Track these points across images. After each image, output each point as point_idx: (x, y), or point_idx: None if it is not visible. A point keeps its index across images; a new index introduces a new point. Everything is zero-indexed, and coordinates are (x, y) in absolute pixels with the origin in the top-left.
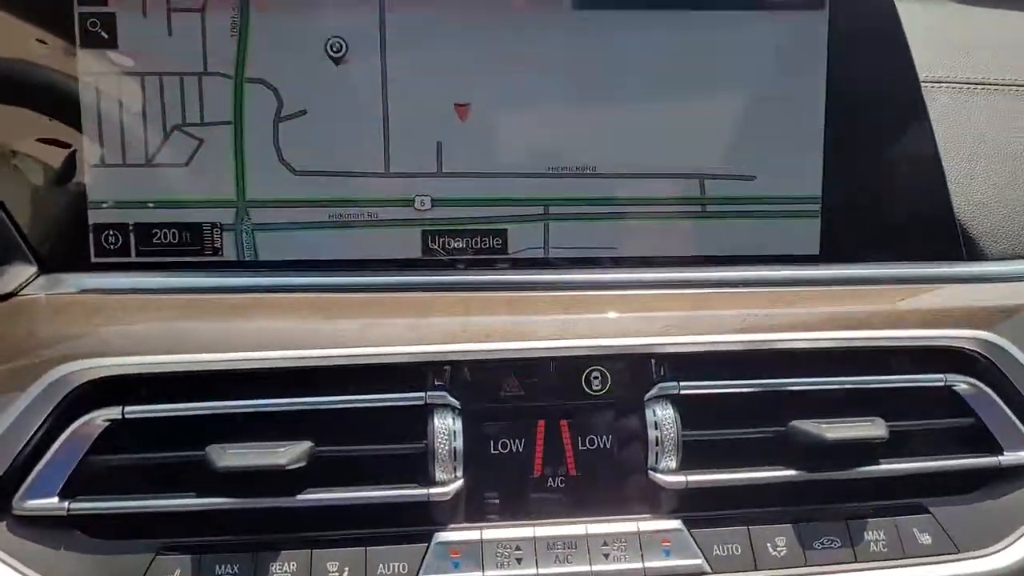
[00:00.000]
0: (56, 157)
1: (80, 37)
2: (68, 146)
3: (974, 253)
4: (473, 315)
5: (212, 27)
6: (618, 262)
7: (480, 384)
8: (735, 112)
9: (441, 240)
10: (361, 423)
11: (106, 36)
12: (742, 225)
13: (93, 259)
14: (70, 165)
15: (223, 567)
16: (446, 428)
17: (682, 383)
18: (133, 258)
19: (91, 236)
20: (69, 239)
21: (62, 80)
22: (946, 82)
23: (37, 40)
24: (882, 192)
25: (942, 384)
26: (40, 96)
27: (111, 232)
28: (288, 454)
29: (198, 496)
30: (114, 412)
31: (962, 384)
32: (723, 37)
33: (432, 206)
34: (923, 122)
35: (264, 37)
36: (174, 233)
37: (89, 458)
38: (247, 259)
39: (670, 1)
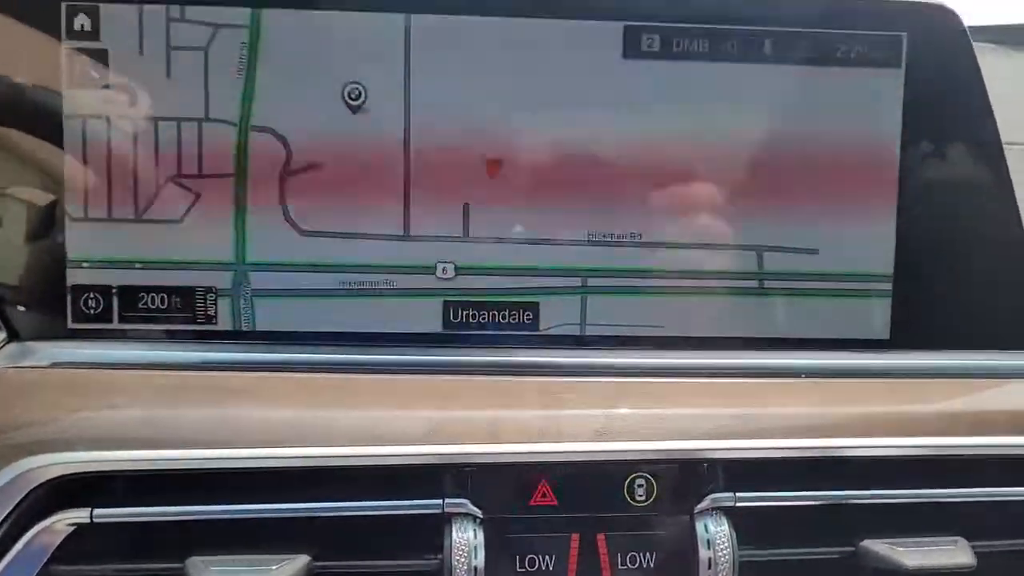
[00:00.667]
0: (33, 207)
1: (67, 74)
2: (48, 195)
3: None
4: (500, 408)
5: (215, 67)
6: (663, 343)
7: (506, 491)
8: (798, 178)
9: (465, 313)
10: (368, 533)
11: (96, 75)
12: (804, 305)
13: (70, 325)
14: (49, 217)
15: None
16: (466, 541)
17: (738, 494)
18: (115, 324)
19: (69, 299)
20: (44, 302)
21: (44, 121)
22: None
23: (18, 75)
24: (961, 270)
25: None
26: (19, 138)
27: (92, 295)
28: (282, 572)
29: None
30: (82, 514)
31: None
32: (786, 95)
33: (456, 274)
34: (1008, 191)
35: (274, 79)
36: (163, 298)
37: (51, 568)
38: (244, 329)
39: (731, 54)
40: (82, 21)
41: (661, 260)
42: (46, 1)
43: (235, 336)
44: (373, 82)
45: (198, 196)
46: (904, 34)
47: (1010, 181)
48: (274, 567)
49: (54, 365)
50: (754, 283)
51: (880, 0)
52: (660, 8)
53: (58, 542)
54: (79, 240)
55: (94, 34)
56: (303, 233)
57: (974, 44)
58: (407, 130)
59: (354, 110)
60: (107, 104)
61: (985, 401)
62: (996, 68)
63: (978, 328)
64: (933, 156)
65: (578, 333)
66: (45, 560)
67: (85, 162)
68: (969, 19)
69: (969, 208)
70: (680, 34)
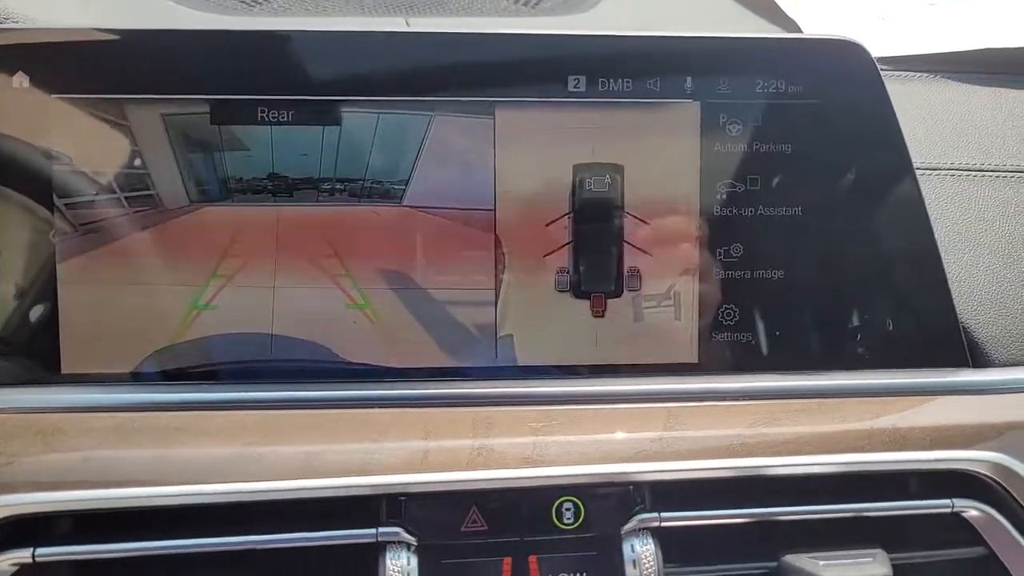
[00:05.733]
0: None
1: None
2: None
3: (979, 359)
4: (431, 438)
5: None
6: (593, 369)
7: (439, 518)
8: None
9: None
10: (307, 563)
11: None
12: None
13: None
14: None
15: None
16: (400, 568)
17: (663, 514)
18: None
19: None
20: None
21: None
22: (944, 169)
23: None
24: (874, 291)
25: (949, 511)
26: None
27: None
28: None
29: None
30: (24, 555)
31: (971, 511)
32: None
33: None
34: (919, 213)
35: None
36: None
37: None
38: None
39: None
40: None
41: None
42: None
43: (170, 376)
44: None
45: None
46: None
47: (923, 202)
48: None
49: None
50: (671, 309)
51: None
52: None
53: None
54: None
55: None
56: None
57: None
58: None
59: None
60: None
61: (899, 420)
62: None
63: (891, 349)
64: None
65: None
66: None
67: None
68: None
69: (881, 231)
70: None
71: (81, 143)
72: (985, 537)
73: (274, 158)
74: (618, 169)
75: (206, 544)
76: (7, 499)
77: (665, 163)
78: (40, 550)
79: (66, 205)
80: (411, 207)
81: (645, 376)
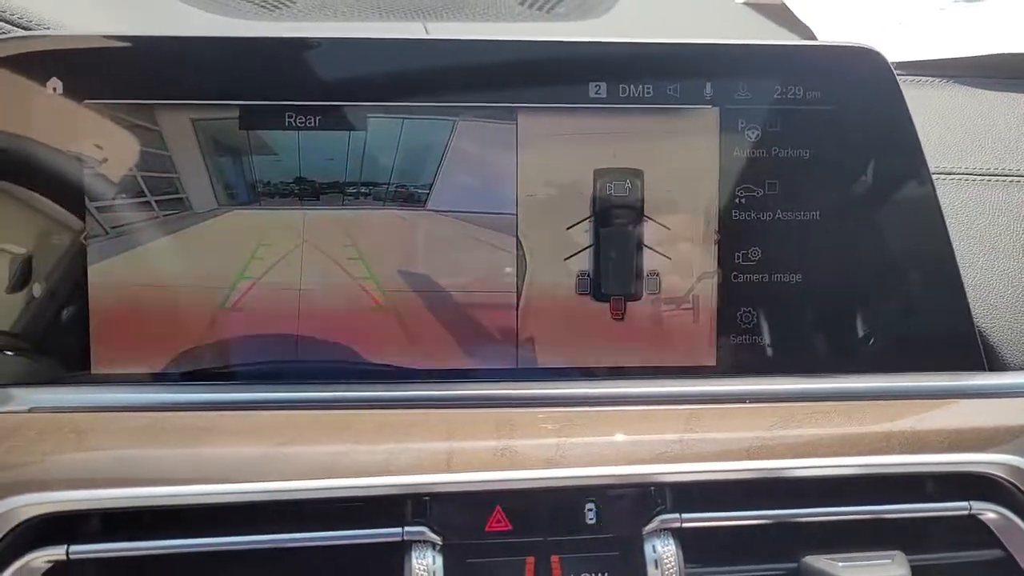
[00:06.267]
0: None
1: None
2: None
3: (995, 363)
4: (459, 439)
5: None
6: (614, 372)
7: (463, 518)
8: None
9: None
10: (334, 562)
11: None
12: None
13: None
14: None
15: None
16: (425, 567)
17: (684, 515)
18: (92, 371)
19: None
20: (23, 349)
21: None
22: (960, 173)
23: None
24: (891, 295)
25: (966, 512)
26: None
27: None
28: None
29: None
30: (58, 552)
31: (988, 513)
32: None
33: None
34: (935, 217)
35: None
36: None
37: None
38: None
39: None
40: None
41: None
42: None
43: (198, 377)
44: None
45: None
46: None
47: (939, 206)
48: None
49: (31, 410)
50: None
51: None
52: None
53: None
54: None
55: None
56: None
57: None
58: None
59: None
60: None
61: (917, 423)
62: None
63: (909, 353)
64: (862, 181)
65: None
66: None
67: None
68: None
69: (897, 235)
70: None
71: (112, 147)
72: (1002, 539)
73: (301, 162)
74: (638, 174)
75: (234, 543)
76: (41, 497)
77: (684, 168)
78: (74, 547)
79: (97, 208)
80: (435, 211)
81: (664, 379)
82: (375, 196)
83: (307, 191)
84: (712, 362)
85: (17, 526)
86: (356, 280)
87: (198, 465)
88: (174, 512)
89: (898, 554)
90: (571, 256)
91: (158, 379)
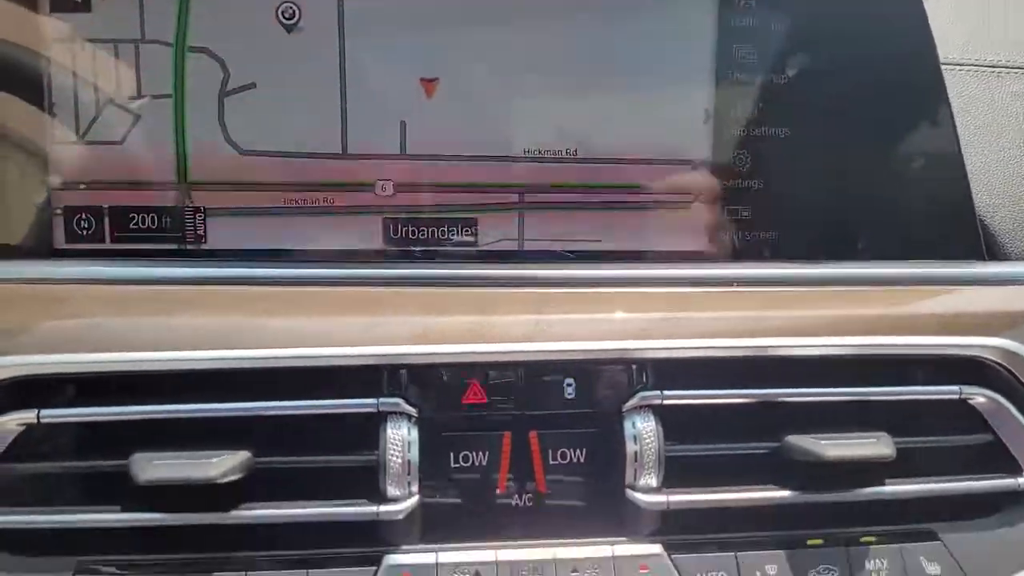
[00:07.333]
0: None
1: None
2: None
3: (994, 252)
4: (435, 314)
5: None
6: (600, 257)
7: (440, 391)
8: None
9: (404, 229)
10: (307, 432)
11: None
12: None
13: (14, 243)
14: None
15: None
16: (400, 438)
17: (665, 392)
18: (63, 244)
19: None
20: None
21: None
22: (968, 65)
23: None
24: (893, 183)
25: (956, 397)
26: None
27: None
28: (220, 465)
29: (121, 511)
30: (30, 415)
31: (979, 397)
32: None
33: (395, 192)
34: (941, 107)
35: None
36: (106, 217)
37: (2, 466)
38: (188, 248)
39: None
40: None
41: (598, 175)
42: None
43: (179, 254)
44: (307, 1)
45: (138, 117)
46: None
47: (946, 96)
48: (214, 460)
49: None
50: (688, 197)
51: None
52: None
53: (9, 441)
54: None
55: None
56: (243, 152)
57: None
58: (342, 48)
59: (289, 29)
60: (40, 27)
61: (909, 306)
62: None
63: (906, 240)
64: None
65: (516, 248)
66: None
67: (19, 85)
68: None
69: (902, 124)
70: None
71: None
72: (991, 424)
73: None
74: None
75: (207, 410)
76: (12, 360)
77: (680, 38)
78: (45, 412)
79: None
80: None
81: (653, 262)
82: None
83: None
84: (702, 248)
85: None
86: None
87: (173, 333)
88: (148, 380)
89: (884, 435)
90: None
91: (132, 255)
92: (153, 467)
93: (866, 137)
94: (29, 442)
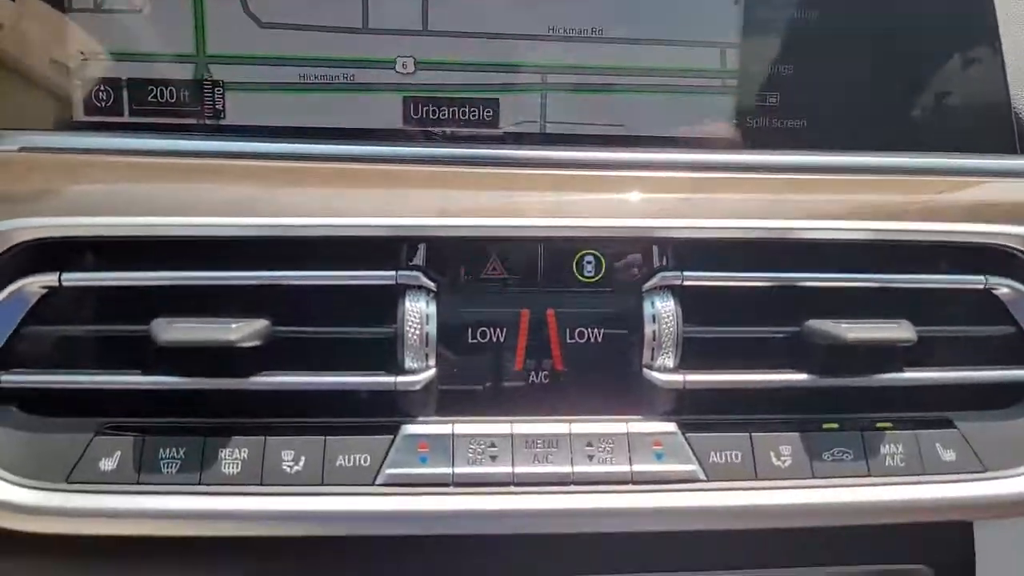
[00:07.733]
0: None
1: None
2: None
3: None
4: (455, 189)
5: None
6: (623, 140)
7: (459, 265)
8: None
9: (425, 108)
10: (326, 302)
11: None
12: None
13: (34, 114)
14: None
15: (168, 451)
16: (418, 311)
17: (686, 273)
18: (82, 117)
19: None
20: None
21: None
22: None
23: None
24: (925, 71)
25: (982, 286)
26: None
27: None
28: (240, 331)
29: (143, 373)
30: (51, 278)
31: (1004, 288)
32: None
33: (416, 69)
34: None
35: None
36: (124, 89)
37: (25, 328)
38: (208, 122)
39: None
40: None
41: (623, 57)
42: None
43: (197, 128)
44: None
45: None
46: None
47: None
48: (233, 326)
49: (22, 150)
50: (717, 81)
51: None
52: None
53: (31, 304)
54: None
55: None
56: (263, 25)
57: None
58: None
59: None
60: None
61: (937, 195)
62: None
63: (938, 132)
64: None
65: (538, 130)
66: (19, 320)
67: None
68: None
69: (936, 19)
70: None
71: None
72: (1015, 315)
73: None
74: None
75: (229, 277)
76: (34, 221)
77: None
78: (66, 275)
79: None
80: None
81: (676, 147)
82: None
83: None
84: (727, 134)
85: (10, 248)
86: None
87: (193, 201)
88: (169, 248)
89: (905, 321)
90: None
91: (146, 128)
92: (174, 329)
93: (900, 27)
94: (52, 306)
